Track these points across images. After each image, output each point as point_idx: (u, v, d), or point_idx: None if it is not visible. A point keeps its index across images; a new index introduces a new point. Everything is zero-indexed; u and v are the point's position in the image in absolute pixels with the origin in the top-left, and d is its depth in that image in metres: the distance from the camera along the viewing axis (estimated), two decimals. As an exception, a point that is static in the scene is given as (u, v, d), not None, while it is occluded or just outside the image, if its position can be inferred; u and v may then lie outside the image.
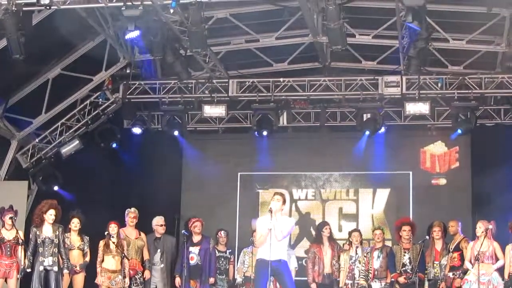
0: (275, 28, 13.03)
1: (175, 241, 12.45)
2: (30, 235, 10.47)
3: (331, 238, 12.38)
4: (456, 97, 13.49)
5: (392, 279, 11.55)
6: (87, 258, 11.15)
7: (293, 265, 11.90)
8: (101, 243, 11.13)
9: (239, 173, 15.20)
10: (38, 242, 10.38)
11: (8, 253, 10.38)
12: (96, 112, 14.43)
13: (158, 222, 12.10)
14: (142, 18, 10.46)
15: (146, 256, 11.67)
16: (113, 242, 11.02)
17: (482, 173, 13.66)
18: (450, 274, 11.26)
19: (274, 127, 14.13)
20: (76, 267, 10.93)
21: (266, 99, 13.98)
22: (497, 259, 10.60)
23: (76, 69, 13.84)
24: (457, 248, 11.30)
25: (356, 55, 13.71)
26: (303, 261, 13.31)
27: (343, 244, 12.56)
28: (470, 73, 13.49)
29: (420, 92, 13.49)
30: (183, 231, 11.87)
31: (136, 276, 11.46)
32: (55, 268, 10.33)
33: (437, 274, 11.49)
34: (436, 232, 11.54)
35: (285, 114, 14.88)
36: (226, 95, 14.06)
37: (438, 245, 11.59)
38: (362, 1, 12.16)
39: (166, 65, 13.60)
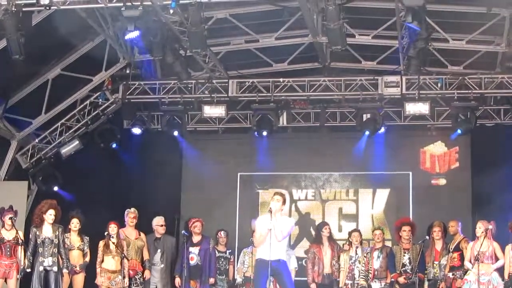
0: (275, 28, 13.03)
1: (175, 241, 12.45)
2: (30, 235, 10.48)
3: (330, 238, 12.38)
4: (456, 97, 13.48)
5: (392, 279, 11.55)
6: (87, 258, 11.15)
7: (293, 265, 11.91)
8: (101, 243, 11.14)
9: (239, 173, 15.20)
10: (38, 242, 10.38)
11: (8, 253, 10.38)
12: (96, 112, 14.44)
13: (158, 222, 12.10)
14: (141, 19, 10.45)
15: (146, 256, 11.67)
16: (113, 243, 11.01)
17: (482, 173, 13.65)
18: (450, 274, 11.25)
19: (274, 127, 14.13)
20: (76, 267, 10.93)
21: (266, 99, 13.98)
22: (497, 259, 10.60)
23: (76, 70, 13.84)
24: (457, 248, 11.30)
25: (356, 55, 13.70)
26: (303, 261, 13.31)
27: (343, 244, 12.55)
28: (470, 73, 13.48)
29: (420, 92, 13.49)
30: (183, 231, 11.87)
31: (136, 276, 11.46)
32: (55, 269, 10.33)
33: (436, 274, 11.48)
34: (436, 233, 11.54)
35: (285, 114, 14.88)
36: (226, 95, 14.06)
37: (438, 245, 11.58)
38: (362, 1, 12.16)
39: (166, 65, 13.59)
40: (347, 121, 14.83)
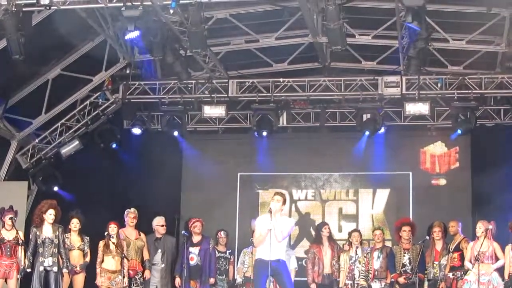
0: (275, 28, 13.03)
1: (175, 241, 12.46)
2: (30, 236, 10.48)
3: (330, 238, 12.38)
4: (456, 97, 13.48)
5: (392, 280, 11.56)
6: (87, 259, 11.16)
7: (293, 266, 11.91)
8: (101, 243, 11.14)
9: (239, 174, 15.19)
10: (38, 243, 10.39)
11: (8, 253, 10.39)
12: (96, 112, 14.43)
13: (159, 222, 12.10)
14: (142, 19, 10.45)
15: (146, 256, 11.66)
16: (113, 243, 11.02)
17: (482, 173, 13.65)
18: (450, 274, 11.24)
19: (274, 128, 14.13)
20: (76, 267, 10.93)
21: (266, 100, 13.97)
22: (497, 259, 10.60)
23: (76, 70, 13.84)
24: (457, 248, 11.29)
25: (356, 55, 13.70)
26: (303, 261, 13.31)
27: (343, 245, 12.55)
28: (470, 73, 13.48)
29: (420, 92, 13.49)
30: (183, 231, 11.87)
31: (136, 277, 11.46)
32: (55, 269, 10.33)
33: (436, 274, 11.48)
34: (437, 233, 11.54)
35: (285, 114, 14.88)
36: (226, 95, 14.06)
37: (439, 245, 11.58)
38: (362, 1, 12.15)
39: (166, 65, 13.58)
40: (347, 121, 14.83)
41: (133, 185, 14.65)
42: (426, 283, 11.50)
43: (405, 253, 11.54)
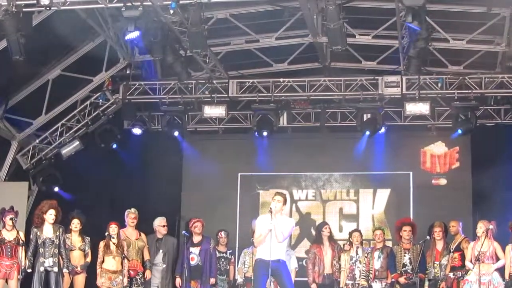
0: (275, 28, 13.03)
1: (176, 241, 12.45)
2: (31, 236, 10.46)
3: (331, 238, 12.37)
4: (456, 97, 13.48)
5: (393, 280, 11.56)
6: (88, 259, 11.15)
7: (293, 266, 11.91)
8: (101, 244, 11.14)
9: (239, 174, 15.19)
10: (39, 243, 10.37)
11: (9, 254, 10.38)
12: (96, 112, 14.43)
13: (160, 222, 12.12)
14: (142, 19, 10.46)
15: (146, 256, 11.66)
16: (114, 243, 11.02)
17: (482, 173, 13.64)
18: (451, 274, 11.24)
19: (274, 128, 14.13)
20: (77, 267, 10.93)
21: (266, 100, 13.97)
22: (497, 259, 10.60)
23: (76, 70, 13.84)
24: (458, 248, 11.29)
25: (356, 55, 13.68)
26: (304, 261, 13.30)
27: (344, 245, 12.53)
28: (470, 73, 13.48)
29: (420, 92, 13.49)
30: (183, 231, 11.88)
31: (137, 277, 11.45)
32: (56, 269, 10.31)
33: (437, 274, 11.48)
34: (437, 233, 11.54)
35: (285, 114, 14.88)
36: (226, 95, 14.06)
37: (439, 245, 11.58)
38: (362, 1, 12.16)
39: (166, 65, 13.58)
40: (347, 121, 14.83)
41: (134, 185, 14.66)
42: (426, 283, 11.50)
43: (405, 253, 11.54)
